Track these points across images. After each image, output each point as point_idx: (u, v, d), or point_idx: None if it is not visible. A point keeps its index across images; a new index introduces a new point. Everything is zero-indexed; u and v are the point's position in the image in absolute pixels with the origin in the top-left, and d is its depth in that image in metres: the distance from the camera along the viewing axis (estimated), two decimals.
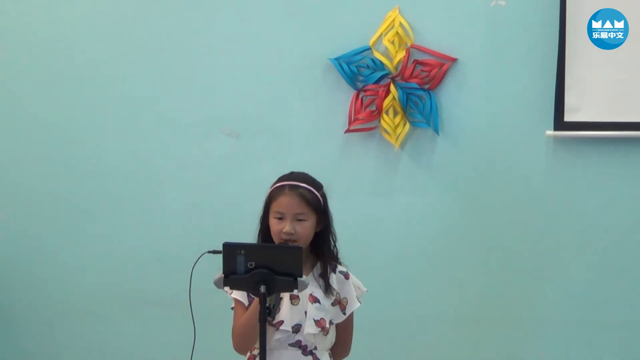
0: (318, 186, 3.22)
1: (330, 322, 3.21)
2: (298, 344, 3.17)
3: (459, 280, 4.52)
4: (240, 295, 3.16)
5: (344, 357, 3.33)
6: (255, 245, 3.16)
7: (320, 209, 3.18)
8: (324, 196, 3.22)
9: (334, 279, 3.22)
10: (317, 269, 3.21)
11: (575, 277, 4.44)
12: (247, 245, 2.97)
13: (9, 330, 4.84)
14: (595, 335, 4.44)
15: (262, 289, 2.87)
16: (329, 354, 3.25)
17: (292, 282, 2.90)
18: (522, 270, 4.47)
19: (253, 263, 2.90)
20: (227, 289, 3.10)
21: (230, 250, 2.91)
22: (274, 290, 2.90)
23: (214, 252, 2.99)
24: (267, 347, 3.03)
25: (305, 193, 3.16)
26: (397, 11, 4.45)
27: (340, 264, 3.27)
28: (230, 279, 2.92)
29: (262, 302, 2.87)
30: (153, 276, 4.70)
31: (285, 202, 3.14)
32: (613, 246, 4.42)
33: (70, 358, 4.82)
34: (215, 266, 2.97)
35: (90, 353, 4.79)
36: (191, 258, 3.17)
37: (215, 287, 2.99)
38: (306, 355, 3.18)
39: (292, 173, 3.24)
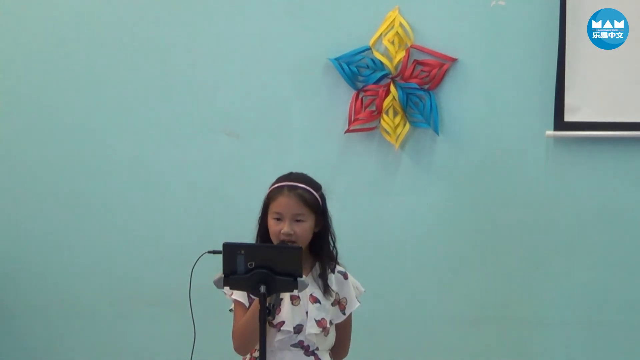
0: (316, 187, 3.22)
1: (330, 322, 3.21)
2: (300, 345, 3.17)
3: (458, 280, 4.52)
4: (240, 296, 3.16)
5: (343, 357, 3.33)
6: (255, 245, 3.15)
7: (319, 210, 3.17)
8: (322, 197, 3.22)
9: (332, 279, 3.21)
10: (316, 270, 3.21)
11: (575, 277, 4.44)
12: (247, 245, 2.97)
13: (9, 329, 4.83)
14: (595, 335, 4.44)
15: (262, 289, 2.87)
16: (329, 354, 3.26)
17: (292, 282, 2.90)
18: (522, 270, 4.47)
19: (253, 263, 2.89)
20: (226, 290, 3.11)
21: (230, 250, 2.91)
22: (274, 290, 2.90)
23: (214, 252, 2.99)
24: (270, 349, 3.05)
25: (303, 194, 3.15)
26: (397, 11, 4.45)
27: (338, 264, 3.27)
28: (230, 279, 2.92)
29: (262, 302, 2.87)
30: (153, 276, 4.69)
31: (283, 203, 3.13)
32: (613, 246, 4.42)
33: (71, 357, 4.81)
34: (215, 266, 2.96)
35: (90, 352, 4.79)
36: (191, 258, 3.17)
37: (215, 287, 2.99)
38: (308, 355, 3.18)
39: (291, 173, 3.24)
